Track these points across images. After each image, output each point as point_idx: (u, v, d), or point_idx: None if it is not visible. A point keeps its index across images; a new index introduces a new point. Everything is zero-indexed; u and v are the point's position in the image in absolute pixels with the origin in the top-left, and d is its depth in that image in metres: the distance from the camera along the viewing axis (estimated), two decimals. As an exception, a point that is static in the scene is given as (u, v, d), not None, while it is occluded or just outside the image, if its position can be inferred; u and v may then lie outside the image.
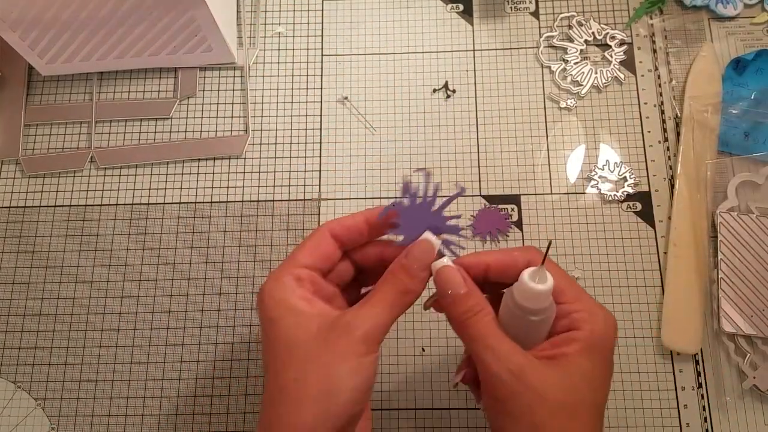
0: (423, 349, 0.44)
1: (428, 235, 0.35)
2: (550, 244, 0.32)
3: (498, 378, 0.31)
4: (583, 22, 0.51)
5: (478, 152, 0.49)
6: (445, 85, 0.50)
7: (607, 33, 0.51)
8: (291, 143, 0.50)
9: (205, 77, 0.51)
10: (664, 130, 0.49)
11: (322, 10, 0.53)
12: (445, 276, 0.34)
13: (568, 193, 0.47)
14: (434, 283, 0.34)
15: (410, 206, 0.36)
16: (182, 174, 0.49)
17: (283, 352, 0.33)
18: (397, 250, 0.35)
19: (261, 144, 0.50)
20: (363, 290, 0.39)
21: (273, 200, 0.48)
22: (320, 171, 0.49)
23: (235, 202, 0.48)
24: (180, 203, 0.48)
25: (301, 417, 0.31)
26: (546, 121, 0.49)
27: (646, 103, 0.49)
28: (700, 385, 0.43)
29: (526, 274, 0.31)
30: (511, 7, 0.52)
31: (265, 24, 0.53)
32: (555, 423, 0.31)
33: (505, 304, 0.33)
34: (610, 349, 0.33)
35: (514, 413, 0.31)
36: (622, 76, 0.50)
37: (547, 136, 0.49)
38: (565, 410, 0.31)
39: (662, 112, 0.49)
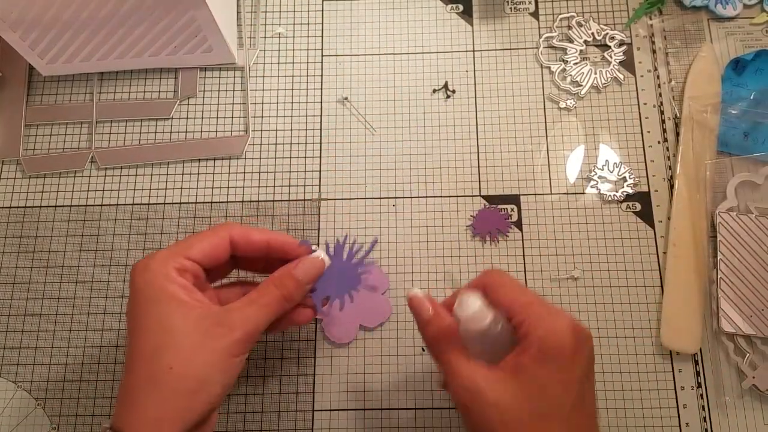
0: (423, 349, 0.45)
1: (321, 252, 0.38)
2: (444, 278, 0.36)
3: (459, 396, 0.33)
4: (583, 23, 0.51)
5: (478, 152, 0.49)
6: (445, 86, 0.50)
7: (607, 33, 0.51)
8: (291, 143, 0.50)
9: (205, 77, 0.51)
10: (664, 131, 0.49)
11: (322, 10, 0.53)
12: (416, 302, 0.36)
13: (567, 194, 0.48)
14: (410, 309, 0.37)
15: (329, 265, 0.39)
16: (182, 174, 0.49)
17: (159, 336, 0.32)
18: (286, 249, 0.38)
19: (261, 144, 0.50)
20: None
21: (273, 200, 0.48)
22: (320, 171, 0.49)
23: (235, 202, 0.48)
24: (180, 203, 0.49)
25: (169, 409, 0.31)
26: (546, 122, 0.49)
27: (645, 104, 0.49)
28: (699, 385, 0.43)
29: (455, 306, 0.34)
30: (510, 8, 0.52)
31: (265, 24, 0.53)
32: None
33: (461, 334, 0.35)
34: (567, 354, 0.32)
35: (477, 427, 0.32)
36: (622, 76, 0.50)
37: (546, 137, 0.49)
38: (526, 422, 0.32)
39: (662, 112, 0.49)
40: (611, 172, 0.48)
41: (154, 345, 0.32)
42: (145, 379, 0.32)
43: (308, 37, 0.52)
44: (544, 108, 0.50)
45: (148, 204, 0.49)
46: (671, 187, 0.47)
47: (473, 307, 0.34)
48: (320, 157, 0.49)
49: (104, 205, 0.49)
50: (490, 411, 0.32)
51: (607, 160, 0.48)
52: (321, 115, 0.50)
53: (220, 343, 0.33)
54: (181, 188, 0.49)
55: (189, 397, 0.32)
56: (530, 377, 0.32)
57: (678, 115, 0.49)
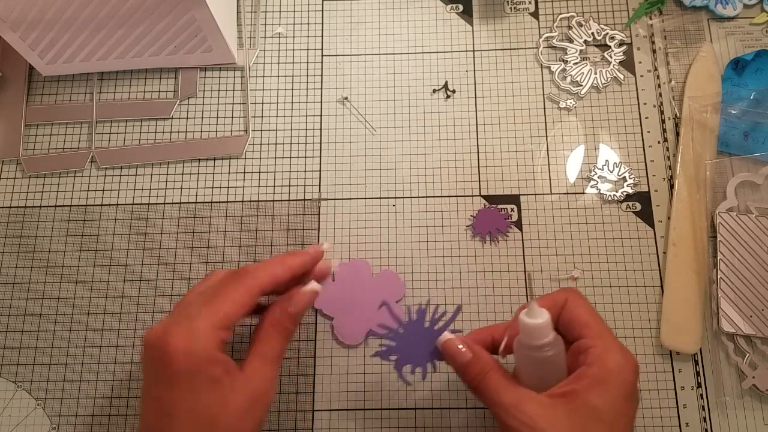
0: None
1: (313, 284, 0.38)
2: (527, 277, 0.34)
3: (509, 426, 0.32)
4: (583, 23, 0.51)
5: (478, 152, 0.49)
6: (445, 85, 0.50)
7: (607, 33, 0.51)
8: (291, 143, 0.50)
9: (205, 77, 0.51)
10: (664, 131, 0.49)
11: (322, 10, 0.53)
12: (450, 347, 0.35)
13: (567, 194, 0.48)
14: (445, 357, 0.36)
15: (405, 330, 0.38)
16: (182, 174, 0.49)
17: (197, 429, 0.32)
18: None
19: (261, 144, 0.50)
20: None
21: (273, 200, 0.48)
22: (320, 171, 0.49)
23: (235, 202, 0.48)
24: (180, 203, 0.49)
25: None
26: (546, 121, 0.49)
27: (645, 104, 0.49)
28: (699, 385, 0.43)
29: (523, 312, 0.33)
30: (510, 8, 0.52)
31: (265, 24, 0.53)
32: None
33: (516, 350, 0.35)
34: (625, 387, 0.32)
35: None
36: (622, 76, 0.50)
37: (546, 137, 0.49)
38: None
39: (662, 112, 0.49)
40: (611, 172, 0.48)
41: None
42: None
43: (308, 37, 0.52)
44: (544, 108, 0.50)
45: (148, 204, 0.49)
46: (671, 187, 0.47)
47: (542, 318, 0.33)
48: (320, 157, 0.49)
49: (104, 205, 0.49)
50: None
51: (607, 160, 0.48)
52: (321, 115, 0.50)
53: (253, 420, 0.34)
54: (181, 188, 0.49)
55: None
56: (583, 404, 0.32)
57: (678, 115, 0.49)
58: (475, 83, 0.50)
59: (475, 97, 0.50)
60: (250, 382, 0.34)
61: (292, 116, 0.50)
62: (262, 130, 0.50)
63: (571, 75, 0.50)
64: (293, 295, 0.37)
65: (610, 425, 0.32)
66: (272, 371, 0.35)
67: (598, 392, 0.32)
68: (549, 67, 0.50)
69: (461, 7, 0.52)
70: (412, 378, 0.37)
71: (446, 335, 0.36)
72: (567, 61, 0.50)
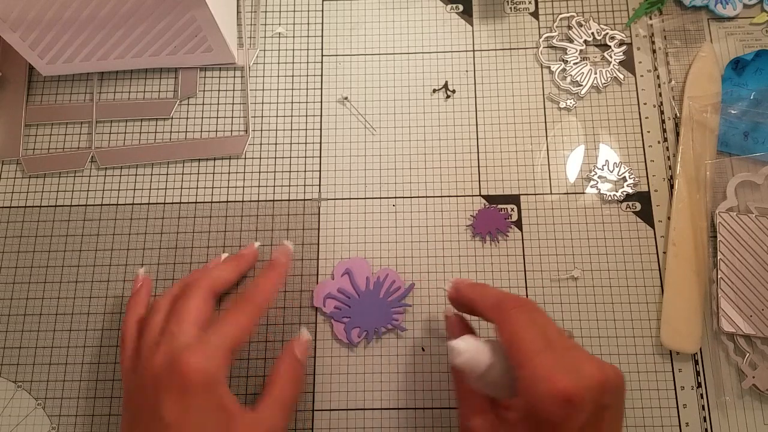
0: (423, 349, 0.45)
1: (305, 331, 0.42)
2: (446, 318, 0.40)
3: None
4: (583, 23, 0.51)
5: (478, 152, 0.49)
6: (445, 85, 0.50)
7: (607, 33, 0.51)
8: (291, 143, 0.50)
9: (205, 77, 0.51)
10: (664, 131, 0.49)
11: (322, 10, 0.53)
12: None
13: (567, 193, 0.48)
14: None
15: (360, 297, 0.44)
16: (182, 174, 0.49)
17: None
18: None
19: (261, 144, 0.50)
20: None
21: (273, 200, 0.48)
22: (320, 171, 0.49)
23: (235, 202, 0.48)
24: (180, 203, 0.49)
25: None
26: (546, 121, 0.49)
27: (645, 104, 0.49)
28: (699, 385, 0.43)
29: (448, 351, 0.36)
30: (510, 8, 0.52)
31: (265, 24, 0.53)
32: None
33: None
34: (553, 423, 0.30)
35: None
36: (622, 76, 0.50)
37: (546, 136, 0.49)
38: None
39: (662, 112, 0.49)
40: (611, 172, 0.48)
41: None
42: None
43: (308, 37, 0.52)
44: (544, 108, 0.50)
45: (148, 204, 0.49)
46: (671, 187, 0.47)
47: (464, 354, 0.33)
48: (320, 157, 0.49)
49: (104, 205, 0.49)
50: None
51: (607, 160, 0.48)
52: (321, 115, 0.50)
53: None
54: (181, 188, 0.49)
55: None
56: None
57: (678, 115, 0.49)
58: (475, 83, 0.50)
59: (475, 97, 0.50)
60: (261, 422, 0.34)
61: (292, 116, 0.50)
62: (262, 130, 0.50)
63: (571, 75, 0.50)
64: (298, 344, 0.40)
65: None
66: (283, 419, 0.36)
67: (529, 427, 0.31)
68: (549, 67, 0.50)
69: (461, 7, 0.52)
70: (357, 341, 0.43)
71: (457, 341, 0.35)
72: (567, 61, 0.50)
